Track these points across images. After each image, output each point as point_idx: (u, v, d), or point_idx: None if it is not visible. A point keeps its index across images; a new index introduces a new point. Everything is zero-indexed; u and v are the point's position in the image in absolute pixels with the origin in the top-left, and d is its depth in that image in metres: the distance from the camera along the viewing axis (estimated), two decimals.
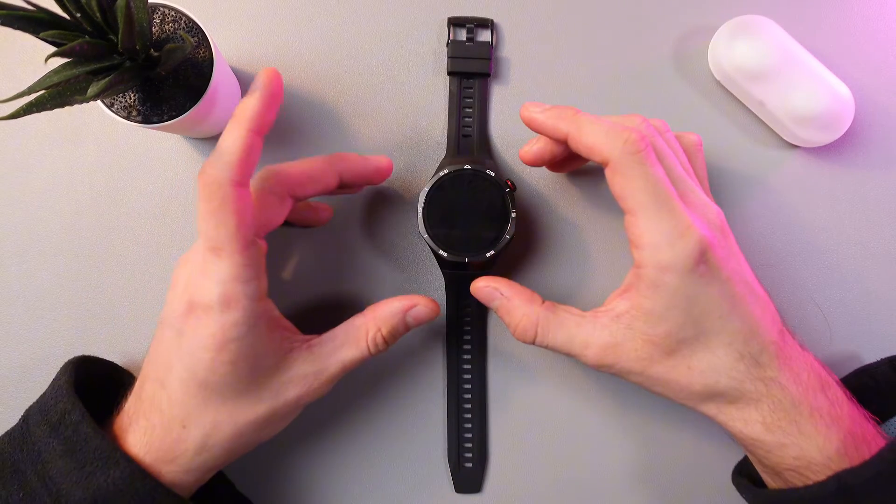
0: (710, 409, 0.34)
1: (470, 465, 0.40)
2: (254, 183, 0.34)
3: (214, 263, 0.31)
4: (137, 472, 0.30)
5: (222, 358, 0.31)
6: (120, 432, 0.33)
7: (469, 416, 0.40)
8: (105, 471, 0.30)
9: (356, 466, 0.40)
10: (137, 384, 0.34)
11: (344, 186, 0.37)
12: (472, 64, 0.41)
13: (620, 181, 0.32)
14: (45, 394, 0.34)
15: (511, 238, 0.37)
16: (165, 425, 0.32)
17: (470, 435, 0.40)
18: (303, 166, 0.36)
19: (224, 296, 0.31)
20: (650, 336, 0.33)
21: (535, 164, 0.37)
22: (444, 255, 0.37)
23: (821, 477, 0.31)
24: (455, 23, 0.42)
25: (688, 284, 0.31)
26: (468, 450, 0.40)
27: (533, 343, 0.35)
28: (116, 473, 0.30)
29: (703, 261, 0.31)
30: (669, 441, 0.41)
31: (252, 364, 0.32)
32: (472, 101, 0.41)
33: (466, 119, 0.41)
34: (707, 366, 0.33)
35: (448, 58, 0.41)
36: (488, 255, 0.37)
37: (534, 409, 0.41)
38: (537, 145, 0.36)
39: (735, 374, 0.32)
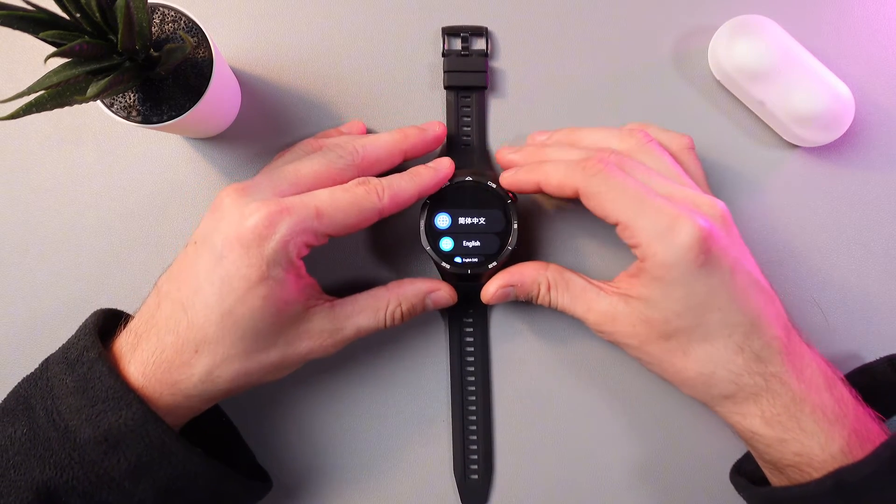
0: (706, 400, 0.34)
1: (476, 476, 0.40)
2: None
3: (289, 214, 0.32)
4: (150, 416, 0.30)
5: (257, 292, 0.31)
6: (123, 350, 0.33)
7: (474, 427, 0.40)
8: (117, 411, 0.30)
9: (362, 481, 0.40)
10: (152, 301, 0.34)
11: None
12: (469, 77, 0.41)
13: (594, 201, 0.33)
14: (70, 337, 0.34)
15: (513, 249, 0.37)
16: (178, 347, 0.32)
17: (475, 447, 0.40)
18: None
19: (283, 238, 0.31)
20: (647, 317, 0.33)
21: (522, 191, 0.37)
22: (447, 267, 0.37)
23: (822, 474, 0.31)
24: (449, 32, 0.41)
25: (686, 275, 0.32)
26: (474, 462, 0.40)
27: (548, 304, 0.37)
28: (129, 414, 0.30)
29: (701, 250, 0.31)
30: (669, 443, 0.40)
31: (279, 308, 0.32)
32: (469, 110, 0.41)
33: (465, 129, 0.41)
34: (703, 355, 0.33)
35: (444, 72, 0.41)
36: (490, 266, 0.37)
37: (539, 417, 0.41)
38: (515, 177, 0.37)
39: (732, 367, 0.32)
